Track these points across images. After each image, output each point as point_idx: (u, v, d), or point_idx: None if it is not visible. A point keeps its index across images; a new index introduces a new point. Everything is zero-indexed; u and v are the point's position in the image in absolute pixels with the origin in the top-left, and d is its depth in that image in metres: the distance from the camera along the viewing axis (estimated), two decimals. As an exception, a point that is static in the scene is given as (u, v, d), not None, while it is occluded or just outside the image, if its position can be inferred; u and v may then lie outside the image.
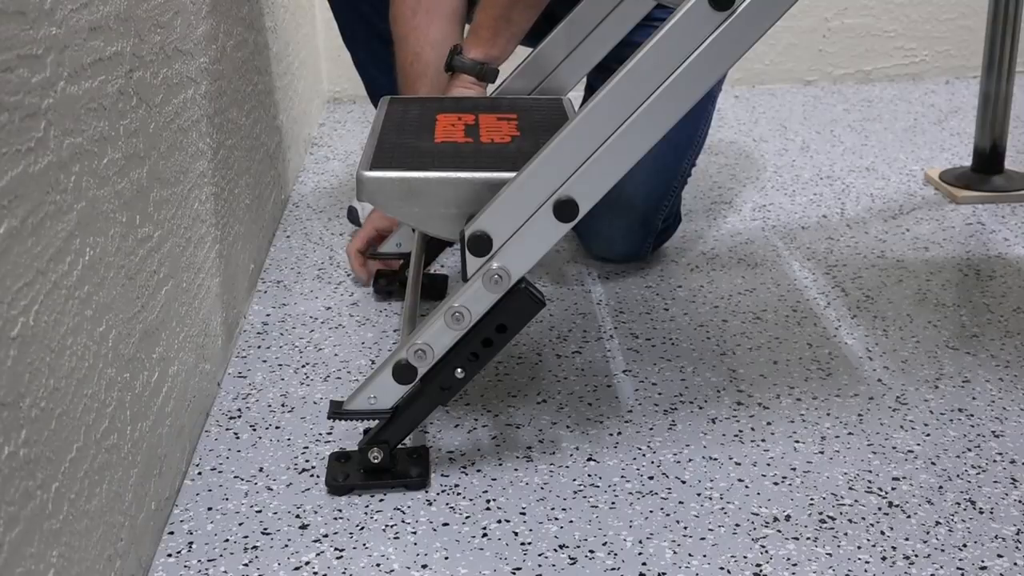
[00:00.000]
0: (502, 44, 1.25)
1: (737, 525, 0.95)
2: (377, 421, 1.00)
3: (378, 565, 0.91)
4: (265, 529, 0.96)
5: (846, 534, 0.93)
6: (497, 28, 1.24)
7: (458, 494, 1.00)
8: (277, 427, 1.12)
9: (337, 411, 1.01)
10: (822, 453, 1.05)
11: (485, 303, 0.96)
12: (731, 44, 0.90)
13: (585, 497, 0.99)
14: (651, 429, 1.10)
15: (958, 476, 1.01)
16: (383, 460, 1.00)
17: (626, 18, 1.28)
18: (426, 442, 1.08)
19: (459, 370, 0.98)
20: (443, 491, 1.01)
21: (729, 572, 0.89)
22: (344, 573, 0.90)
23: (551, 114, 1.17)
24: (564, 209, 0.93)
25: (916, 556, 0.90)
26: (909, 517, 0.95)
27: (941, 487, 1.00)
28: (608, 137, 0.92)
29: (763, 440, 1.08)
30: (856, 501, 0.98)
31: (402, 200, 0.98)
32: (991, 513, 0.96)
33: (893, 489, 1.00)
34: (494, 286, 0.95)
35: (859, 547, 0.92)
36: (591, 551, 0.92)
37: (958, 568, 0.89)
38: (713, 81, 0.91)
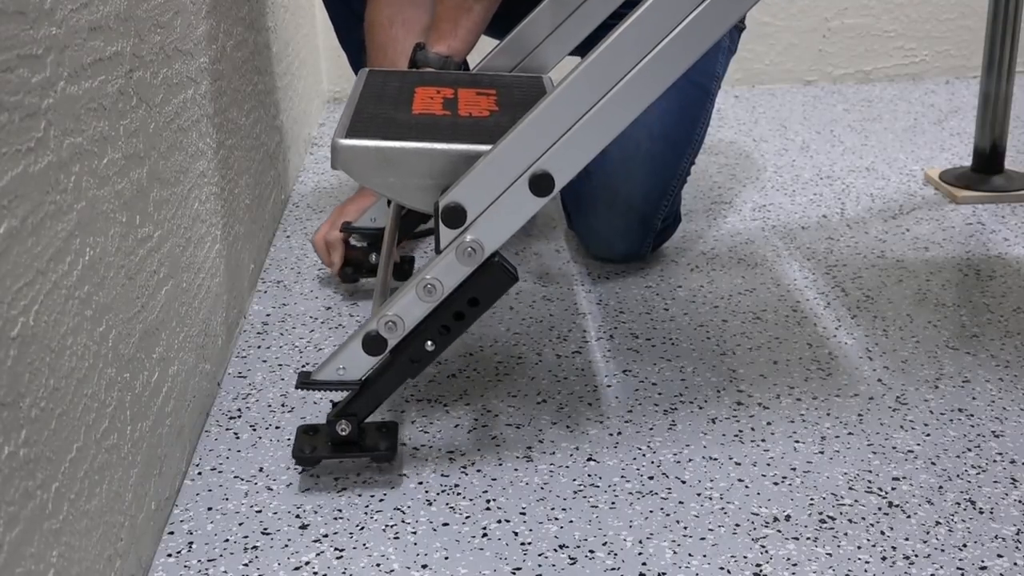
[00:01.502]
0: (463, 35, 1.24)
1: (737, 525, 0.95)
2: (346, 393, 1.00)
3: (378, 565, 0.91)
4: (265, 529, 0.96)
5: (846, 534, 0.93)
6: (457, 19, 1.23)
7: (458, 494, 1.00)
8: (277, 427, 1.12)
9: (305, 381, 1.00)
10: (822, 453, 1.05)
11: (458, 276, 0.96)
12: (712, 21, 0.89)
13: (585, 497, 0.99)
14: (651, 429, 1.10)
15: (958, 476, 1.01)
16: (351, 433, 0.99)
17: None
18: (397, 419, 1.08)
19: (430, 343, 0.97)
20: (443, 491, 1.01)
21: (729, 572, 0.89)
22: (344, 573, 0.90)
23: (531, 91, 1.17)
24: (540, 183, 0.93)
25: (916, 556, 0.90)
26: (909, 517, 0.95)
27: (941, 487, 1.00)
28: (586, 112, 0.91)
29: (763, 440, 1.08)
30: (856, 501, 0.98)
31: (377, 169, 0.98)
32: (991, 513, 0.96)
33: (893, 489, 1.00)
34: (467, 259, 0.95)
35: (859, 547, 0.92)
36: (591, 551, 0.92)
37: (958, 568, 0.89)
38: (694, 58, 0.90)
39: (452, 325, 0.97)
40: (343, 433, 0.99)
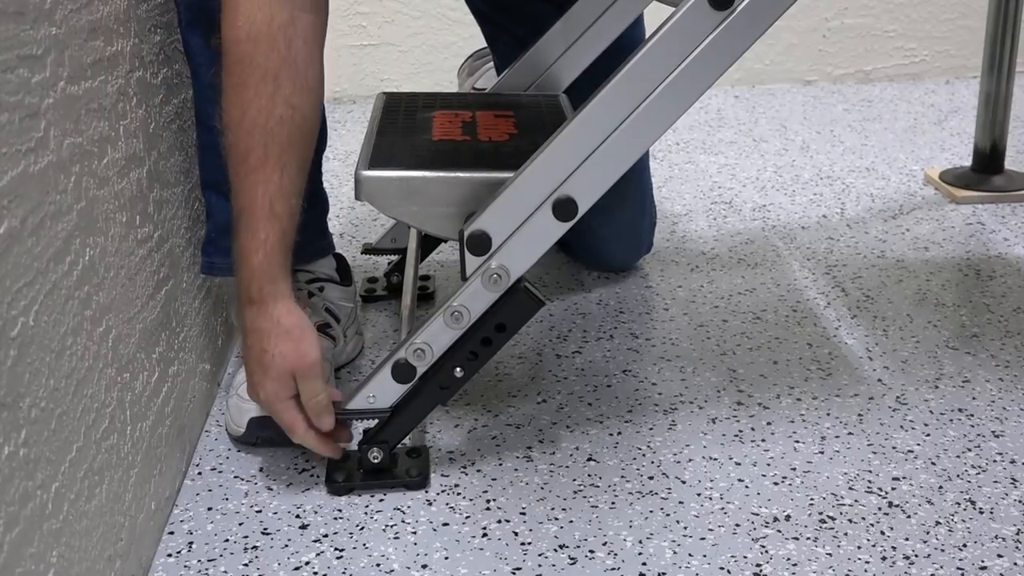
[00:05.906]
0: None
1: (737, 525, 0.95)
2: (376, 421, 1.00)
3: (378, 565, 0.91)
4: (265, 529, 0.96)
5: (846, 534, 0.93)
6: None
7: (458, 494, 1.00)
8: (277, 427, 1.12)
9: (336, 410, 1.01)
10: (822, 453, 1.05)
11: (484, 302, 0.96)
12: (730, 43, 0.90)
13: (585, 497, 0.99)
14: (651, 429, 1.10)
15: (958, 476, 1.01)
16: (383, 460, 1.00)
17: (623, 15, 1.28)
18: (426, 442, 1.08)
19: (458, 369, 0.98)
20: (443, 491, 1.01)
21: (729, 572, 0.89)
22: (344, 573, 0.90)
23: (548, 111, 1.17)
24: (564, 208, 0.93)
25: (916, 556, 0.90)
26: (909, 517, 0.95)
27: (941, 487, 1.00)
28: (607, 136, 0.92)
29: (763, 440, 1.08)
30: (856, 501, 0.98)
31: (401, 199, 0.98)
32: (991, 513, 0.96)
33: (893, 489, 1.00)
34: (493, 285, 0.95)
35: (859, 547, 0.92)
36: (591, 551, 0.92)
37: (958, 568, 0.89)
38: (713, 80, 0.91)
39: (480, 351, 0.98)
40: (375, 461, 1.00)
